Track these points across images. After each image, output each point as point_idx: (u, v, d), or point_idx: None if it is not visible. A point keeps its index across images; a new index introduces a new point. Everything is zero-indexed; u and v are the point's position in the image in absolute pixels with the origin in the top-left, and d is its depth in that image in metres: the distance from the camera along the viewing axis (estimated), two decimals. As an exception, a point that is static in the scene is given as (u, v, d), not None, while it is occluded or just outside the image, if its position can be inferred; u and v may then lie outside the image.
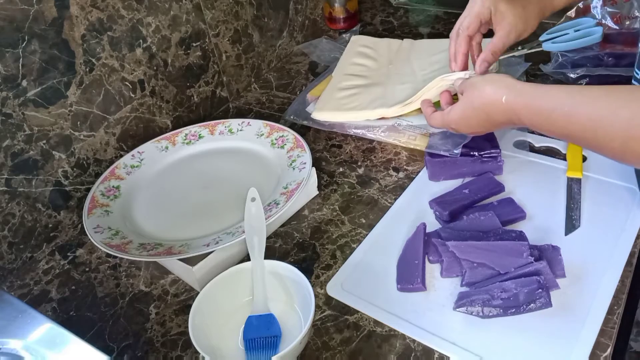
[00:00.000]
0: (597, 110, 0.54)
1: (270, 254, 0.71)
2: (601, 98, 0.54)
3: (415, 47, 1.00)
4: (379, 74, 0.95)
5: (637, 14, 0.90)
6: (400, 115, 0.83)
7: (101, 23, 0.77)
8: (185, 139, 0.88)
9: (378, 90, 0.90)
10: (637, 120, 0.51)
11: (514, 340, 0.57)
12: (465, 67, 0.76)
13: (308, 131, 0.92)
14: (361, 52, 0.98)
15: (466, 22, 0.74)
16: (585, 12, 0.98)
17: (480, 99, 0.64)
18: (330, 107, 0.87)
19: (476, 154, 0.76)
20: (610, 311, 0.58)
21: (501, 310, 0.58)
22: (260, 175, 0.80)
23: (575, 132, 0.56)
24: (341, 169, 0.84)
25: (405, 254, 0.67)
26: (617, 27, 0.92)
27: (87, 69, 0.77)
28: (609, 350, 0.55)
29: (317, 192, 0.80)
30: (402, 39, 1.04)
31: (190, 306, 0.58)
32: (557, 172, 0.76)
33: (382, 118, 0.84)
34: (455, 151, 0.76)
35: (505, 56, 0.98)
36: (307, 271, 0.68)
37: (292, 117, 0.92)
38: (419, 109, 0.78)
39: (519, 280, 0.58)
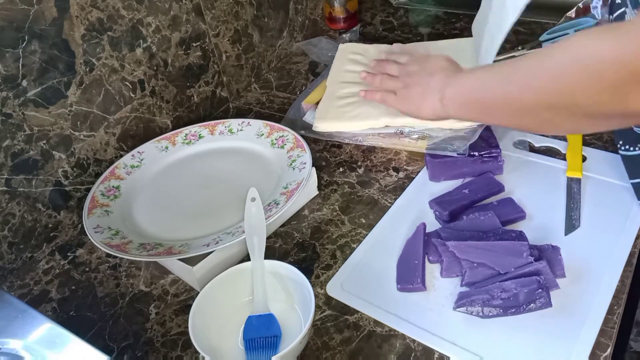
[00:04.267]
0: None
1: (270, 254, 0.71)
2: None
3: (406, 51, 0.99)
4: None
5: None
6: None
7: (101, 23, 0.77)
8: (185, 139, 0.88)
9: None
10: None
11: (514, 340, 0.57)
12: None
13: (308, 131, 0.91)
14: (352, 59, 0.97)
15: None
16: (585, 12, 0.98)
17: (429, 55, 0.78)
18: (332, 117, 0.86)
19: (476, 154, 0.76)
20: (610, 311, 0.58)
21: (501, 310, 0.58)
22: (260, 175, 0.80)
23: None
24: (341, 169, 0.84)
25: (405, 254, 0.67)
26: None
27: (87, 69, 0.77)
28: (609, 350, 0.55)
29: (317, 192, 0.80)
30: (392, 44, 1.02)
31: (190, 306, 0.58)
32: (557, 172, 0.76)
33: (387, 126, 0.83)
34: (462, 151, 0.76)
35: (505, 56, 0.99)
36: (307, 271, 0.68)
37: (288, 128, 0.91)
38: None
39: (519, 280, 0.58)
